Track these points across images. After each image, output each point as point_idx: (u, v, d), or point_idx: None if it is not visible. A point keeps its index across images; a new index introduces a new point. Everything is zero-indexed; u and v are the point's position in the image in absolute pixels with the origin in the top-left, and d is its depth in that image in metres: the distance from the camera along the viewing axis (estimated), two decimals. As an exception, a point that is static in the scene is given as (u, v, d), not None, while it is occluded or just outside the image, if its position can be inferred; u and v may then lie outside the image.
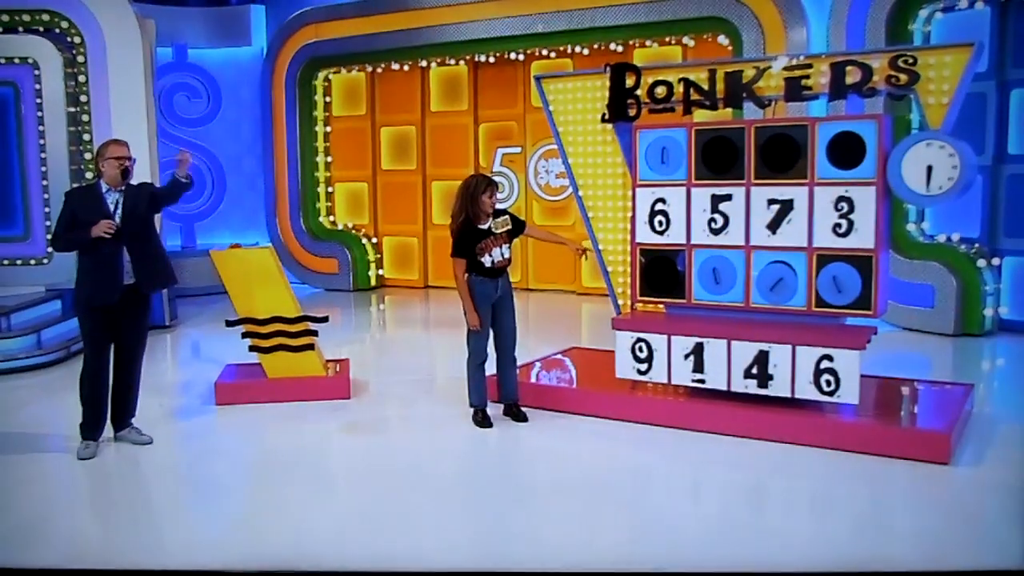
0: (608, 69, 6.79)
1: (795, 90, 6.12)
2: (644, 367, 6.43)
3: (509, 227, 6.25)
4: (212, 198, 14.45)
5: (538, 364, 7.47)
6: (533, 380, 6.98)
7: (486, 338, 6.32)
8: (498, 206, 6.22)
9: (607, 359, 6.84)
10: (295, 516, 4.85)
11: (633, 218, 6.64)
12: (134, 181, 5.91)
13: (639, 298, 6.70)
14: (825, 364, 5.74)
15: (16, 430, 6.61)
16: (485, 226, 6.17)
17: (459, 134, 13.42)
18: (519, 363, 6.55)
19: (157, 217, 6.17)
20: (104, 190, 5.77)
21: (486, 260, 6.17)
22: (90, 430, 5.90)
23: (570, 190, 11.84)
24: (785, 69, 6.16)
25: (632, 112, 6.72)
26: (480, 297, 6.21)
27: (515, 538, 4.52)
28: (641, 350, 6.43)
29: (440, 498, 5.11)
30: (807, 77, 6.09)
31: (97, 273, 5.71)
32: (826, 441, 5.66)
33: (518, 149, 12.98)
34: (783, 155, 5.95)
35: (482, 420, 6.33)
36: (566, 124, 7.26)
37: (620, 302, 7.18)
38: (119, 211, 5.74)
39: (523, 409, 6.48)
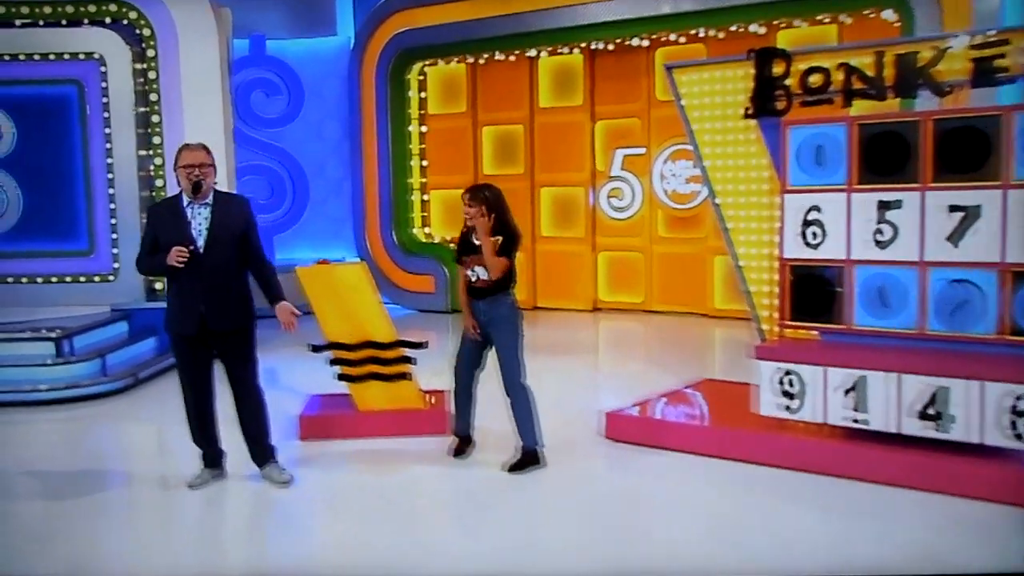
0: (752, 55, 6.74)
1: (986, 73, 5.94)
2: (794, 404, 6.31)
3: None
4: (292, 208, 14.73)
5: (663, 399, 7.43)
6: (658, 416, 6.98)
7: (463, 362, 6.55)
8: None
9: (744, 393, 6.79)
10: (389, 563, 4.90)
11: (781, 229, 6.57)
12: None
13: (787, 323, 6.62)
14: (1022, 406, 5.52)
15: (76, 465, 6.83)
16: (479, 243, 6.25)
17: (573, 133, 13.44)
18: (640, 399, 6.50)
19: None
20: (186, 203, 5.83)
21: (469, 274, 6.35)
22: (203, 458, 6.18)
23: (703, 197, 11.81)
24: (972, 48, 5.99)
25: (780, 105, 6.65)
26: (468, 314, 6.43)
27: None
28: (790, 384, 6.31)
29: (553, 553, 5.08)
30: (1001, 56, 5.88)
31: (178, 300, 5.86)
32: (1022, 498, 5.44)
33: (641, 150, 12.94)
34: (968, 152, 5.79)
35: (453, 451, 6.62)
36: (701, 120, 7.28)
37: (764, 327, 7.14)
38: (205, 230, 5.79)
39: (537, 453, 6.39)
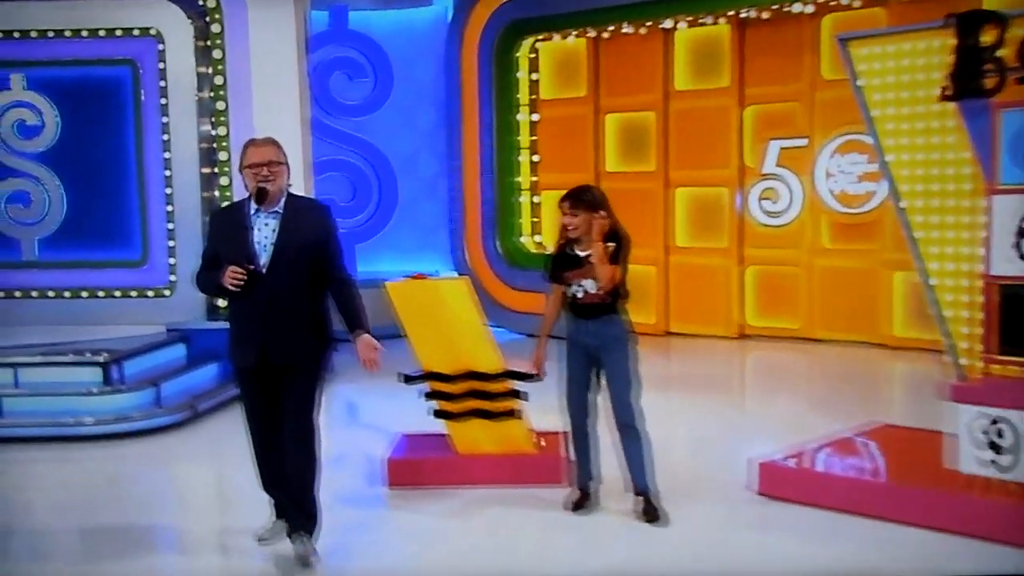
0: (953, 21, 6.54)
1: None
2: (1003, 460, 6.15)
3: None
4: (377, 211, 14.88)
5: (827, 448, 7.33)
6: (822, 468, 6.98)
7: (575, 396, 6.63)
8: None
9: (934, 443, 6.75)
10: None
11: (988, 239, 6.45)
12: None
13: (995, 356, 6.47)
14: None
15: (124, 513, 6.90)
16: (584, 253, 6.37)
17: (716, 121, 13.36)
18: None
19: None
20: (252, 211, 5.68)
21: (573, 291, 6.45)
22: (273, 507, 6.08)
23: (881, 199, 11.64)
24: None
25: (990, 83, 6.42)
26: (568, 340, 6.60)
27: None
28: (999, 434, 6.16)
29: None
30: None
31: (236, 327, 5.81)
32: None
33: (802, 141, 12.78)
34: None
35: (572, 504, 6.65)
36: (883, 104, 7.11)
37: (963, 361, 6.93)
38: (270, 245, 5.63)
39: (652, 497, 6.45)
